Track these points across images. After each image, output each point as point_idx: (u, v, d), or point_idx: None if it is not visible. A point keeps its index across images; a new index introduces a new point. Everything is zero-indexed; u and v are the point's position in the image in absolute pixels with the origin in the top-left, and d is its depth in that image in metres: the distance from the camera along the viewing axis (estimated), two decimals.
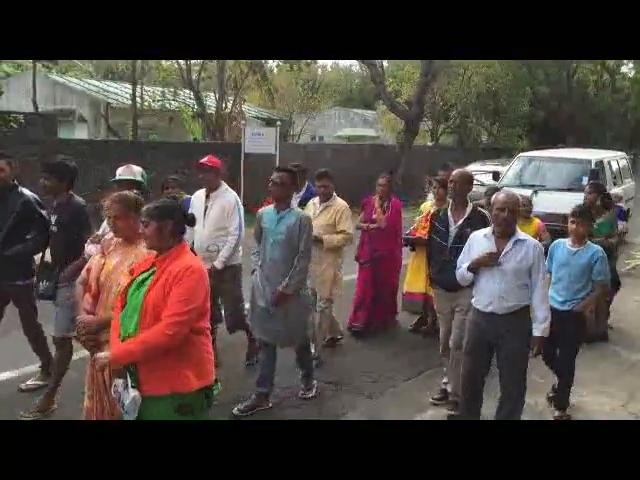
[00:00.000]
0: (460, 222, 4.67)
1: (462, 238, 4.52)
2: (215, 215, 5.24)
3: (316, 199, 5.86)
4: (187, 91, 18.29)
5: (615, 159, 12.77)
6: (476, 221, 4.59)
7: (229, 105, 17.99)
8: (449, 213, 4.76)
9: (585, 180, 10.64)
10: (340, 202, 5.81)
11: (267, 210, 4.77)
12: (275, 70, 26.15)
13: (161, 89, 18.07)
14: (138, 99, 16.56)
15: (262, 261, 4.73)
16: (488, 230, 4.10)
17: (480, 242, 4.08)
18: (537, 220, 6.47)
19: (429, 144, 25.44)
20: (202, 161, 5.28)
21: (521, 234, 4.03)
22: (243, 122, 15.99)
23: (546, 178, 11.32)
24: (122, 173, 4.58)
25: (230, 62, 17.41)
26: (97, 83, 21.97)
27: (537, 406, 4.96)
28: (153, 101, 17.45)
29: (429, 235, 4.97)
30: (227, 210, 5.24)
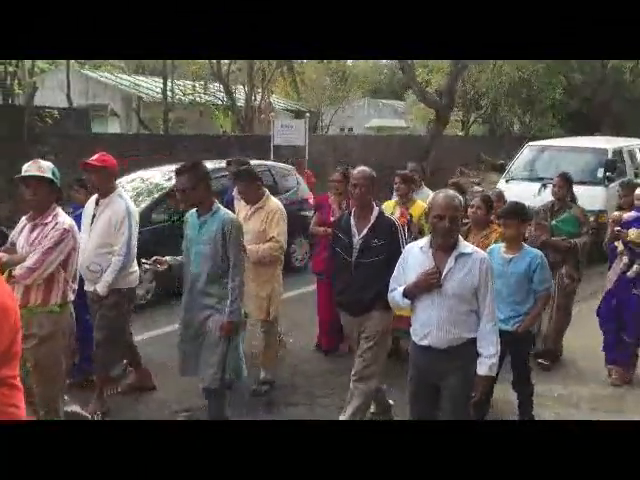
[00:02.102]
0: (364, 232, 3.90)
1: (368, 252, 3.87)
2: (101, 227, 4.36)
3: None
4: (217, 84, 18.42)
5: (637, 148, 11.55)
6: (383, 230, 3.89)
7: (258, 97, 18.07)
8: (352, 221, 3.97)
9: (600, 172, 9.81)
10: (273, 203, 4.90)
11: (192, 213, 3.95)
12: (304, 62, 26.14)
13: (191, 83, 18.23)
14: (169, 93, 16.74)
15: (185, 276, 3.97)
16: (425, 241, 3.25)
17: (416, 257, 3.23)
18: None
19: (460, 134, 25.19)
20: (88, 160, 4.38)
21: (466, 246, 3.19)
22: (272, 114, 16.04)
23: (557, 170, 10.02)
24: (28, 169, 3.71)
25: None
26: (129, 78, 22.26)
27: (572, 397, 4.92)
28: (184, 95, 17.63)
29: (332, 248, 4.17)
30: (114, 222, 4.33)
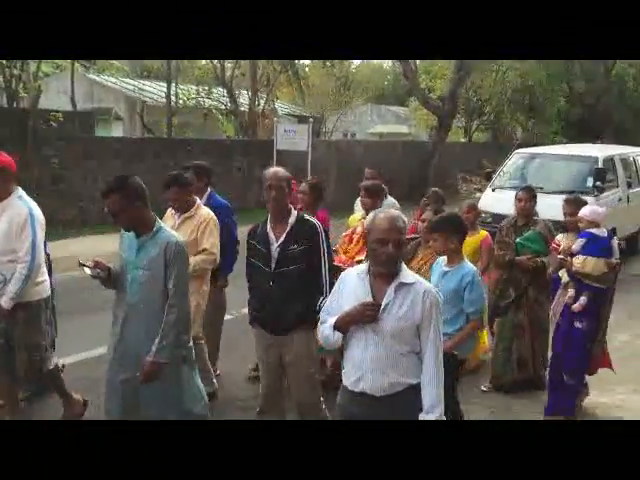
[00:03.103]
0: (282, 238, 3.53)
1: (288, 260, 3.50)
2: (0, 233, 3.90)
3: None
4: (221, 89, 18.49)
5: (631, 156, 10.93)
6: (303, 234, 3.53)
7: (262, 102, 18.13)
8: (269, 227, 3.59)
9: (590, 181, 9.28)
10: (205, 212, 4.54)
11: (129, 233, 3.39)
12: (308, 67, 26.21)
13: (195, 87, 18.30)
14: (173, 97, 16.80)
15: (119, 307, 3.40)
16: (363, 267, 2.81)
17: (352, 284, 2.78)
18: (485, 233, 5.24)
19: (462, 140, 25.23)
20: None
21: (407, 275, 2.72)
22: (275, 119, 16.08)
23: (545, 179, 9.61)
24: None
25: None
26: (133, 82, 22.34)
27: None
28: (187, 99, 17.69)
29: (247, 258, 3.75)
30: (15, 227, 3.86)
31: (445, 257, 3.82)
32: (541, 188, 8.71)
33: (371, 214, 2.79)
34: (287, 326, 3.50)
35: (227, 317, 5.36)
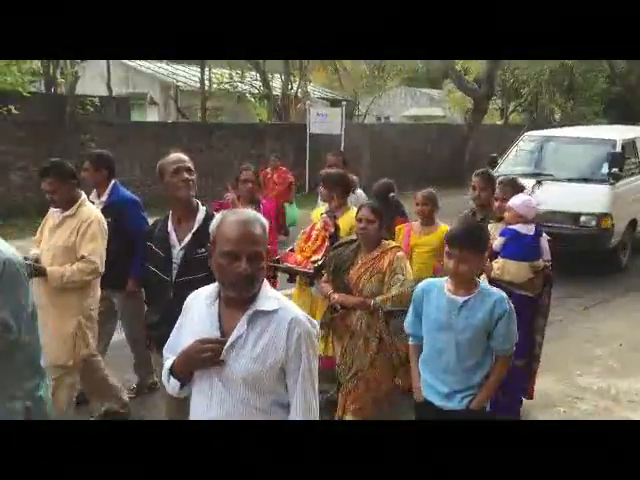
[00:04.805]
0: (187, 240, 2.96)
1: (192, 266, 2.88)
2: None
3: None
4: (254, 73, 18.53)
5: None
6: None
7: (294, 86, 18.11)
8: (170, 226, 3.02)
9: (605, 168, 8.24)
10: (88, 211, 3.73)
11: None
12: None
13: (228, 71, 18.37)
14: (206, 82, 16.89)
15: None
16: (211, 290, 2.06)
17: (199, 312, 2.06)
18: (445, 228, 4.04)
19: (498, 123, 24.81)
20: None
21: (269, 299, 1.98)
22: (308, 102, 16.04)
23: (556, 164, 8.73)
24: None
25: None
26: (167, 67, 22.53)
27: (610, 390, 4.86)
28: (221, 83, 17.78)
29: (143, 267, 3.17)
30: None
31: (446, 279, 2.82)
32: (551, 175, 8.21)
33: (218, 216, 2.02)
34: None
35: None
